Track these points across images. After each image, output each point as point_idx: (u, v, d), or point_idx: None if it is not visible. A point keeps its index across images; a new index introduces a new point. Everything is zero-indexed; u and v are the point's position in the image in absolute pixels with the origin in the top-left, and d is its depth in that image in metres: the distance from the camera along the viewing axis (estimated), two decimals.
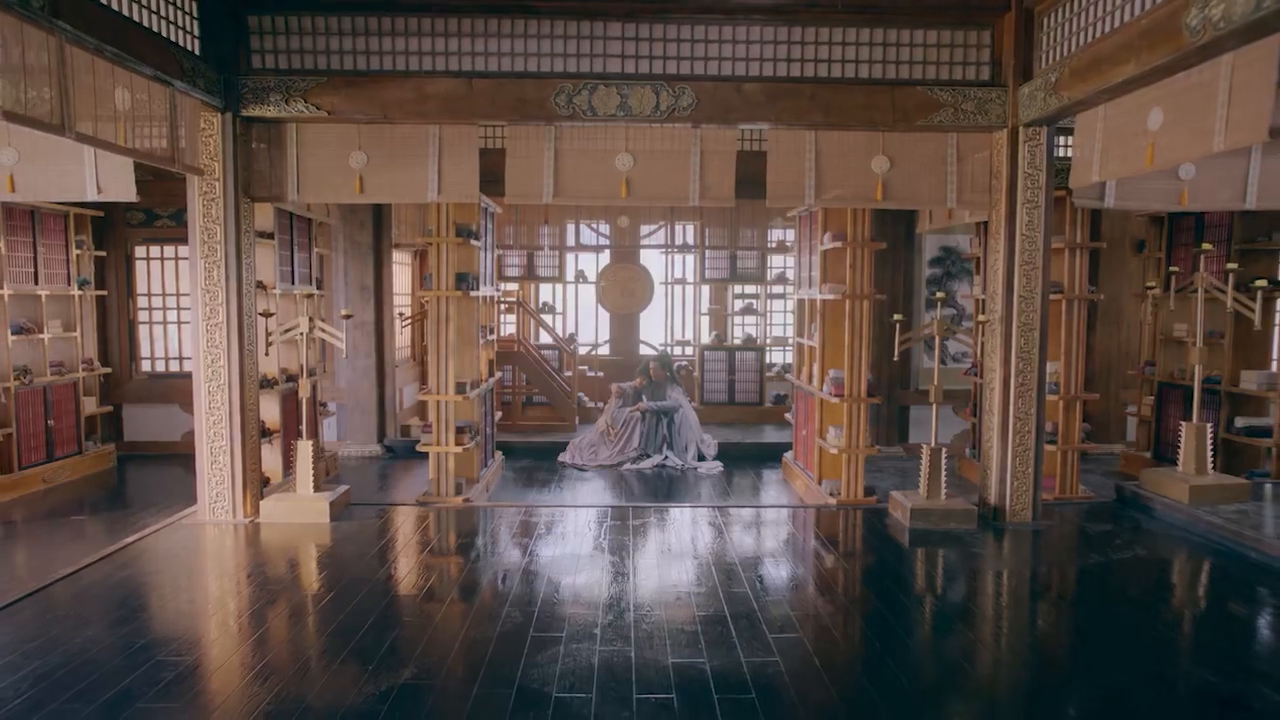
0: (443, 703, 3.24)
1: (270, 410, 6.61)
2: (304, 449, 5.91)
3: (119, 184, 5.75)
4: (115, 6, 4.35)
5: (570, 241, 10.93)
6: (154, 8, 4.75)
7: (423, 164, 5.83)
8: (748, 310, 11.39)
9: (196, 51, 5.21)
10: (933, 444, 5.88)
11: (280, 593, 4.53)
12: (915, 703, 3.30)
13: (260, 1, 5.60)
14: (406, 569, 4.93)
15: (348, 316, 6.61)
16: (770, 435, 9.76)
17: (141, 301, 8.80)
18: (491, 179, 6.19)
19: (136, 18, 4.54)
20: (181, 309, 8.78)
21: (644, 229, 11.12)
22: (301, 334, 6.00)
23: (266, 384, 6.45)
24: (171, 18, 4.94)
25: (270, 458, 6.58)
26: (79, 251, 7.68)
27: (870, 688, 3.42)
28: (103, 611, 4.18)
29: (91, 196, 5.74)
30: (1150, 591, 4.84)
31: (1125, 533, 5.70)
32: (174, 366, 8.87)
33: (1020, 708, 3.40)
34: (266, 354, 6.07)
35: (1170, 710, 3.29)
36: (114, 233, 8.54)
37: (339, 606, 4.24)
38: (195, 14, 5.22)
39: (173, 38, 4.94)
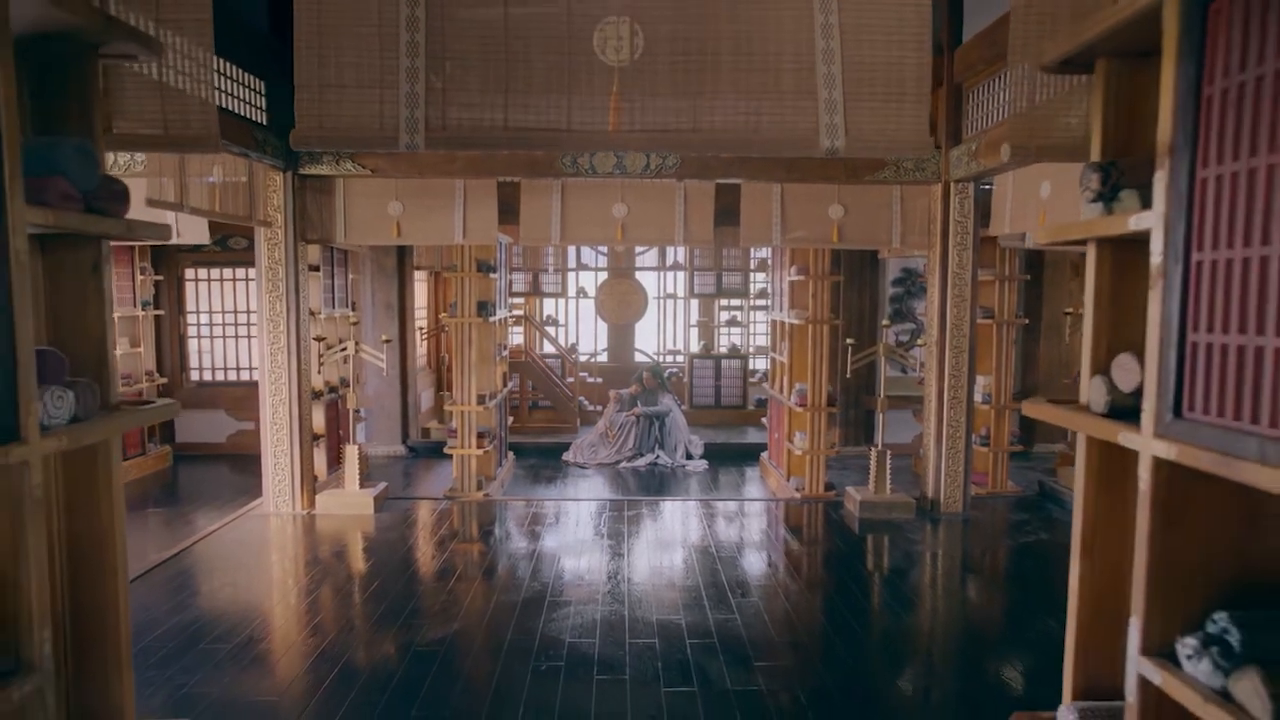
0: (485, 644, 4.36)
1: (317, 417, 7.71)
2: (351, 452, 7.03)
3: (195, 230, 6.88)
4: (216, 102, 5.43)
5: (572, 262, 12.05)
6: (239, 95, 5.84)
7: (450, 212, 6.92)
8: (732, 322, 12.51)
9: (265, 123, 6.30)
10: (879, 446, 7.01)
11: (343, 570, 5.66)
12: (836, 643, 4.43)
13: None
14: (442, 552, 6.05)
15: (388, 341, 7.72)
16: (752, 436, 10.85)
17: (190, 318, 9.88)
18: (505, 209, 7.06)
19: (229, 107, 5.63)
20: (225, 325, 9.87)
21: (638, 248, 12.22)
22: (349, 355, 7.11)
23: (314, 395, 7.54)
24: (249, 99, 6.03)
25: (317, 458, 7.68)
26: (142, 277, 8.76)
27: (804, 635, 4.55)
28: (212, 581, 5.32)
29: (173, 240, 6.83)
30: (1039, 566, 5.96)
31: (1037, 521, 6.83)
32: (219, 376, 9.95)
33: (918, 645, 4.53)
34: (319, 371, 7.17)
35: (1024, 643, 4.42)
36: (167, 258, 9.61)
37: (393, 579, 5.36)
38: (264, 92, 6.30)
39: (249, 115, 6.03)
